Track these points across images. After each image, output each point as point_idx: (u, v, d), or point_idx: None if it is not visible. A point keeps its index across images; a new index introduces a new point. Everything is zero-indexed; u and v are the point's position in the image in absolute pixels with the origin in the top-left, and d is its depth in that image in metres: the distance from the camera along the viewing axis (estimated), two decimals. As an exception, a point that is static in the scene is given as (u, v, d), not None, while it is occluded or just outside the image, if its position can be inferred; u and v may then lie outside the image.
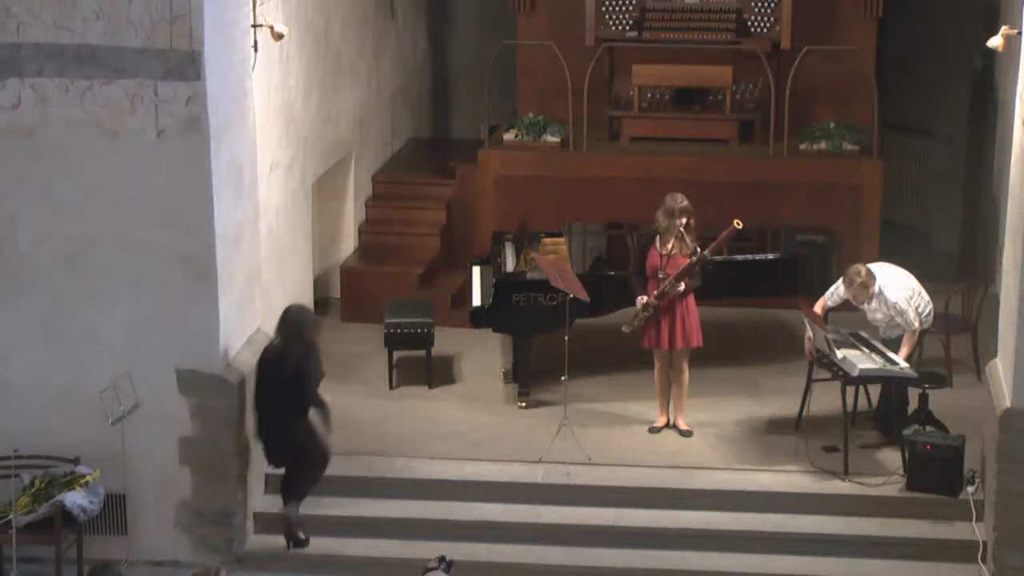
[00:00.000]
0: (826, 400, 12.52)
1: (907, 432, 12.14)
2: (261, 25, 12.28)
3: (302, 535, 11.67)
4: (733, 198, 14.98)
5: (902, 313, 12.19)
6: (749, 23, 16.10)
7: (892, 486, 11.91)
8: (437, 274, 15.88)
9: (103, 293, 11.31)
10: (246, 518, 11.79)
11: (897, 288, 12.29)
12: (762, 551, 11.59)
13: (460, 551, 11.08)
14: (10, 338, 11.41)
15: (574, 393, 12.72)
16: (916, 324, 12.21)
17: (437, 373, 13.93)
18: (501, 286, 13.31)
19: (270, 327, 12.58)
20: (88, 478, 11.19)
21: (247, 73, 11.83)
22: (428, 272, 15.70)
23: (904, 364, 12.01)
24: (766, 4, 16.03)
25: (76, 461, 11.31)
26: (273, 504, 12.02)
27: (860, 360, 11.96)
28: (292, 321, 11.54)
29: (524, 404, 13.32)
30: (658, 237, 12.50)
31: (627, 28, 16.21)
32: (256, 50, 12.18)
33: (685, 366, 12.69)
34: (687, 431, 12.77)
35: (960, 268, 16.23)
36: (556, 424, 12.51)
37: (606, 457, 12.36)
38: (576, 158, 15.63)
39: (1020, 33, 11.38)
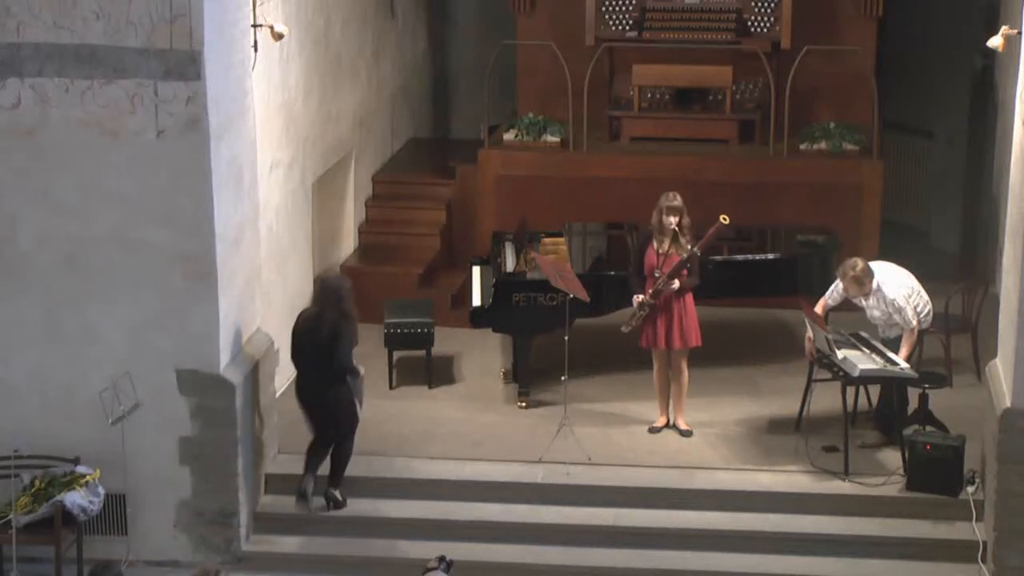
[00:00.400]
0: (826, 400, 12.52)
1: (907, 432, 12.14)
2: (261, 25, 12.28)
3: (339, 496, 11.83)
4: (733, 198, 14.97)
5: (900, 311, 12.19)
6: (749, 23, 16.10)
7: (892, 486, 11.91)
8: (437, 274, 15.88)
9: (103, 293, 11.31)
10: (246, 518, 11.79)
11: (896, 286, 12.29)
12: (762, 551, 11.59)
13: (460, 551, 11.07)
14: (10, 338, 11.41)
15: (574, 393, 12.72)
16: (914, 322, 12.20)
17: (437, 373, 13.93)
18: (501, 286, 13.31)
19: (270, 327, 12.60)
20: (88, 478, 11.19)
21: (247, 73, 11.83)
22: (428, 272, 15.71)
23: (904, 364, 12.01)
24: (766, 4, 16.03)
25: (76, 461, 11.31)
26: (273, 504, 12.03)
27: (860, 360, 11.96)
28: (330, 289, 11.73)
29: (524, 404, 13.32)
30: (654, 236, 12.52)
31: (627, 28, 16.21)
32: (256, 50, 12.18)
33: (684, 366, 12.70)
34: (687, 431, 12.77)
35: (960, 268, 16.24)
36: (556, 424, 12.51)
37: (606, 457, 12.36)
38: (576, 158, 15.63)
39: (1020, 33, 11.38)
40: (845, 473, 12.02)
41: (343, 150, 15.59)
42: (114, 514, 11.56)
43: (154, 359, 11.36)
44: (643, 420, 12.98)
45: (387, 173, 16.91)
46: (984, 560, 11.36)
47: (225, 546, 11.68)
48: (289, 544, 11.85)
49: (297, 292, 14.16)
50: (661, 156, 15.54)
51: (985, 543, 11.40)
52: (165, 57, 10.90)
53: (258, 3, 12.28)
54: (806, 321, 12.36)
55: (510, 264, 13.73)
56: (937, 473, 11.77)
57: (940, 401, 12.52)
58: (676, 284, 12.37)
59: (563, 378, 12.45)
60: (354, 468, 12.23)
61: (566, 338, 12.43)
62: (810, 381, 12.47)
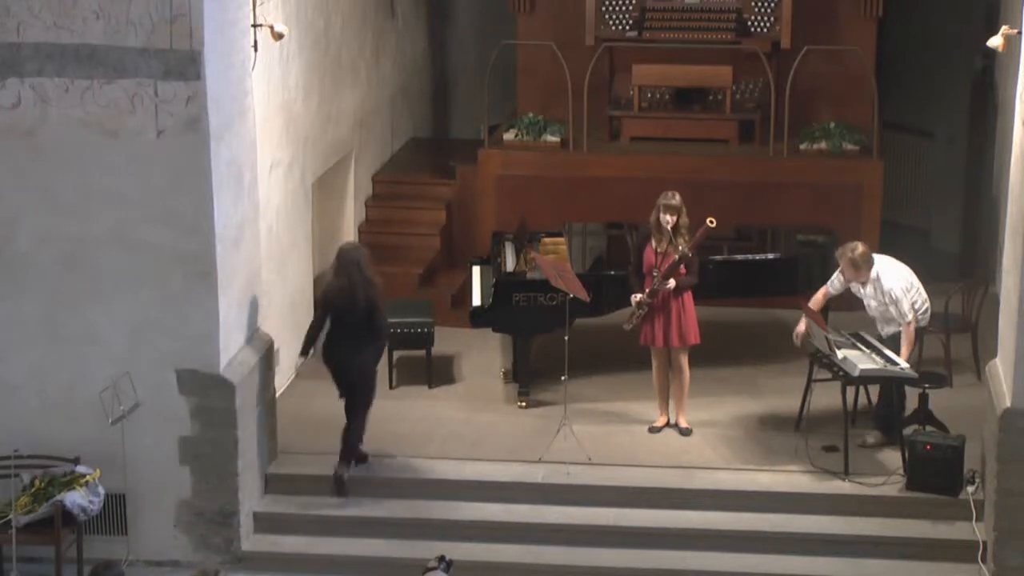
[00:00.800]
0: (826, 400, 12.52)
1: (907, 432, 12.14)
2: (261, 25, 12.28)
3: (345, 477, 12.05)
4: (733, 198, 14.99)
5: (896, 302, 12.17)
6: (749, 23, 16.10)
7: (892, 486, 11.91)
8: (437, 274, 15.89)
9: (103, 293, 11.31)
10: (246, 518, 11.79)
11: (895, 277, 12.28)
12: (762, 551, 11.59)
13: (460, 551, 11.07)
14: (10, 338, 11.41)
15: (574, 393, 12.72)
16: (910, 316, 12.18)
17: (437, 373, 13.94)
18: (501, 286, 13.32)
19: (270, 327, 12.61)
20: (88, 478, 11.19)
21: (247, 73, 11.83)
22: (428, 272, 15.71)
23: (904, 364, 12.01)
24: (766, 4, 16.03)
25: (76, 461, 11.31)
26: (273, 504, 12.04)
27: (860, 360, 11.96)
28: (350, 259, 12.00)
29: (524, 404, 13.33)
30: (652, 235, 12.52)
31: (627, 28, 16.21)
32: (256, 50, 12.18)
33: (685, 364, 12.70)
34: (687, 429, 12.77)
35: (960, 268, 16.24)
36: (556, 424, 12.51)
37: (606, 457, 12.36)
38: (576, 158, 15.63)
39: (1020, 33, 11.38)
40: (845, 473, 12.02)
41: (343, 150, 15.59)
42: (114, 514, 11.56)
43: (154, 359, 11.36)
44: (643, 420, 12.98)
45: (387, 173, 16.91)
46: (984, 560, 11.36)
47: (225, 546, 11.68)
48: (289, 544, 11.85)
49: (297, 292, 14.16)
50: (661, 156, 15.54)
51: (985, 543, 11.40)
52: (165, 57, 10.90)
53: (258, 3, 12.28)
54: (806, 321, 12.34)
55: (510, 264, 13.74)
56: (937, 473, 11.77)
57: (940, 401, 12.52)
58: (672, 284, 12.37)
59: (563, 378, 12.45)
60: (354, 468, 12.24)
61: (566, 338, 12.43)
62: (810, 381, 12.47)
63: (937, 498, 11.75)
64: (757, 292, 14.02)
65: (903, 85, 17.48)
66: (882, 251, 14.62)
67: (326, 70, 14.81)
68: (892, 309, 12.22)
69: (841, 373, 12.01)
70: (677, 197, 12.46)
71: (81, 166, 11.14)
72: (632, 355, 13.30)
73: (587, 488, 12.03)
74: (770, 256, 14.33)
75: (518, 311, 13.22)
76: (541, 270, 13.04)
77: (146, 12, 10.84)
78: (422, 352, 13.81)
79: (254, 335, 12.08)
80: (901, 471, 11.97)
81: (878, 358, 12.02)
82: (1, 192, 11.22)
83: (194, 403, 11.44)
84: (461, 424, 13.07)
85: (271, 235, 13.27)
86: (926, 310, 12.48)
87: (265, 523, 11.92)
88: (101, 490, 11.24)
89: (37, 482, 11.20)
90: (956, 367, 13.57)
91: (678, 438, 12.74)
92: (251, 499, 11.86)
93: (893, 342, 12.27)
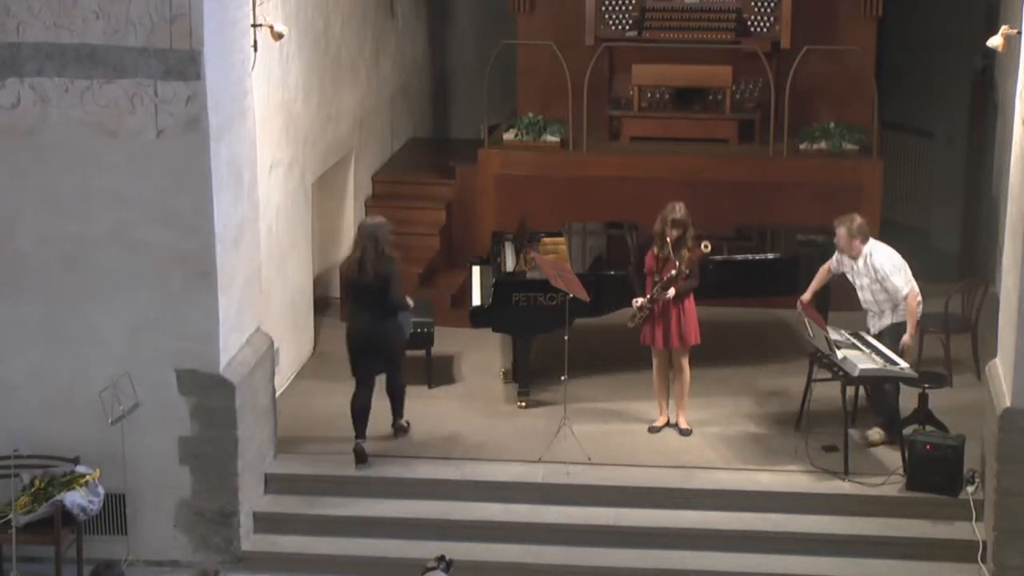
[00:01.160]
0: (826, 400, 12.52)
1: (907, 432, 12.14)
2: (261, 25, 12.28)
3: (405, 423, 12.74)
4: (733, 198, 14.99)
5: (886, 278, 12.21)
6: (749, 23, 16.10)
7: (892, 486, 11.90)
8: (437, 274, 15.88)
9: (103, 293, 11.31)
10: (246, 518, 11.79)
11: (886, 255, 12.35)
12: (762, 551, 11.59)
13: (460, 551, 11.07)
14: (10, 338, 11.41)
15: (574, 393, 12.71)
16: (906, 288, 12.20)
17: (437, 373, 13.93)
18: (501, 286, 13.32)
19: (270, 327, 12.61)
20: (88, 478, 11.19)
21: (247, 73, 11.83)
22: (428, 272, 15.70)
23: (904, 364, 12.02)
24: (766, 4, 16.03)
25: (76, 461, 11.31)
26: (273, 504, 12.04)
27: (860, 360, 11.96)
28: (366, 232, 12.32)
29: (524, 404, 13.32)
30: (655, 242, 12.52)
31: (627, 28, 16.21)
32: (256, 50, 12.18)
33: (686, 364, 12.70)
34: (687, 429, 12.77)
35: (960, 268, 16.24)
36: (556, 424, 12.51)
37: (606, 457, 12.36)
38: (576, 158, 15.63)
39: (1020, 33, 11.38)
40: (845, 473, 12.02)
41: (343, 150, 15.59)
42: (114, 514, 11.56)
43: (154, 359, 11.35)
44: (643, 420, 12.98)
45: (387, 173, 16.91)
46: (984, 560, 11.36)
47: (225, 546, 11.68)
48: (289, 544, 11.85)
49: (297, 292, 14.16)
50: (661, 156, 15.54)
51: (985, 543, 11.40)
52: (165, 57, 10.90)
53: (258, 3, 12.28)
54: (806, 321, 12.35)
55: (510, 264, 13.74)
56: (937, 473, 11.77)
57: (940, 401, 12.52)
58: (671, 293, 12.38)
59: (563, 378, 12.44)
60: (354, 468, 12.24)
61: (566, 338, 12.43)
62: (810, 381, 12.48)
63: (937, 498, 11.75)
64: (757, 292, 14.03)
65: (903, 85, 17.48)
66: (882, 251, 14.66)
67: (326, 70, 14.81)
68: (886, 285, 12.21)
69: (841, 373, 12.01)
70: (682, 210, 12.41)
71: (81, 166, 11.14)
72: (632, 355, 13.29)
73: (587, 488, 12.03)
74: (770, 256, 14.32)
75: (518, 311, 13.22)
76: (541, 270, 13.04)
77: (146, 12, 10.84)
78: (422, 352, 13.80)
79: (254, 335, 12.08)
80: (901, 471, 11.97)
81: (878, 358, 12.02)
82: (1, 192, 11.22)
83: (194, 403, 11.44)
84: (461, 424, 13.07)
85: (271, 235, 13.27)
86: (919, 304, 12.49)
87: (265, 523, 11.92)
88: (101, 490, 11.24)
89: (37, 482, 11.20)
90: (956, 367, 13.57)
91: (678, 438, 12.74)
92: (251, 499, 11.86)
93: (888, 336, 12.28)
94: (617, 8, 16.23)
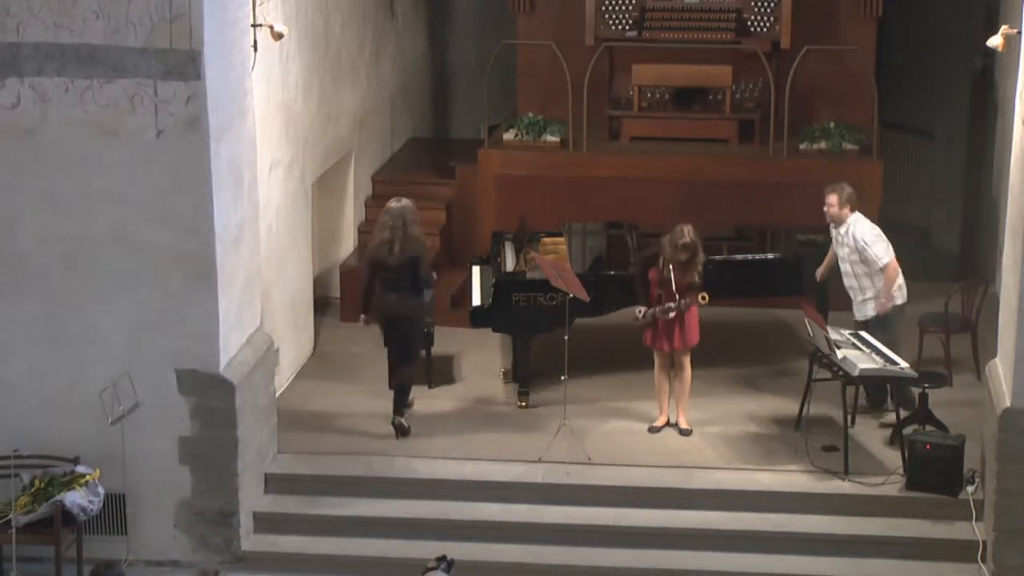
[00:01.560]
0: (826, 400, 12.52)
1: (907, 432, 12.14)
2: (261, 25, 12.28)
3: (405, 423, 12.79)
4: (733, 198, 14.98)
5: (867, 247, 12.39)
6: (749, 23, 16.09)
7: (892, 486, 11.91)
8: (437, 274, 15.81)
9: (103, 293, 11.31)
10: (246, 518, 11.79)
11: (868, 226, 12.58)
12: (762, 551, 11.59)
13: (460, 551, 11.06)
14: (10, 338, 11.41)
15: (574, 393, 12.71)
16: (886, 257, 12.39)
17: (437, 373, 13.93)
18: (501, 286, 13.32)
19: (270, 327, 12.61)
20: (88, 478, 11.19)
21: (247, 73, 11.83)
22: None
23: (904, 364, 12.02)
24: (766, 4, 16.02)
25: (76, 461, 11.31)
26: (273, 504, 12.04)
27: (860, 360, 11.96)
28: (394, 214, 12.62)
29: (524, 404, 13.32)
30: (661, 259, 12.53)
31: (627, 28, 16.20)
32: (256, 50, 12.18)
33: (687, 364, 12.71)
34: (687, 429, 12.77)
35: (960, 268, 16.24)
36: (556, 424, 12.51)
37: (606, 457, 12.36)
38: (576, 158, 15.62)
39: (1020, 33, 11.38)
40: (845, 473, 12.02)
41: (343, 150, 15.59)
42: (114, 514, 11.56)
43: (154, 359, 11.36)
44: (643, 420, 12.98)
45: (387, 173, 16.90)
46: (984, 560, 11.37)
47: (225, 546, 11.68)
48: (289, 544, 11.85)
49: (297, 292, 14.16)
50: (661, 156, 15.53)
51: (985, 543, 11.40)
52: (165, 57, 10.90)
53: (258, 3, 12.28)
54: (806, 321, 12.36)
55: (510, 264, 13.74)
56: (937, 473, 11.78)
57: (940, 401, 12.52)
58: (672, 315, 12.42)
59: (563, 378, 12.45)
60: (354, 468, 12.26)
61: (566, 338, 12.43)
62: (810, 381, 12.48)
63: (937, 498, 11.75)
64: (757, 292, 14.02)
65: (903, 85, 17.48)
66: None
67: (326, 70, 14.81)
68: (864, 258, 12.36)
69: (841, 373, 12.02)
70: (690, 234, 12.41)
71: (81, 166, 11.14)
72: (632, 355, 13.30)
73: (587, 488, 12.03)
74: (770, 256, 14.32)
75: (518, 311, 13.22)
76: (541, 270, 13.04)
77: (146, 12, 10.84)
78: (422, 352, 13.79)
79: (254, 335, 12.07)
80: (901, 471, 11.98)
81: (878, 358, 12.02)
82: (1, 192, 11.22)
83: (194, 403, 11.44)
84: (461, 424, 13.07)
85: (271, 235, 13.27)
86: (901, 285, 12.54)
87: (265, 523, 11.92)
88: (101, 490, 11.24)
89: (37, 482, 11.20)
90: (956, 367, 13.57)
91: (678, 438, 12.74)
92: (251, 499, 11.86)
93: (875, 327, 12.30)
94: (617, 8, 16.22)
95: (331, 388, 13.69)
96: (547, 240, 14.24)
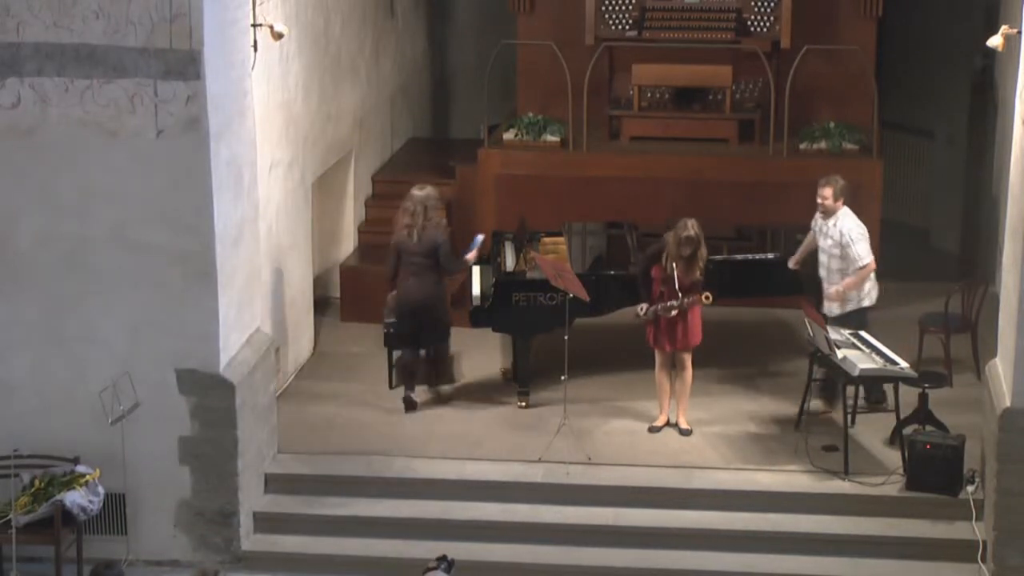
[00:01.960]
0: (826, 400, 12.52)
1: (907, 432, 12.14)
2: (261, 25, 12.28)
3: (449, 388, 13.48)
4: (733, 198, 14.97)
5: (851, 244, 12.44)
6: (749, 23, 16.08)
7: (892, 486, 11.91)
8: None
9: (103, 293, 11.31)
10: (246, 518, 11.79)
11: (856, 223, 12.63)
12: (762, 551, 11.59)
13: (460, 551, 11.06)
14: (10, 338, 11.41)
15: (574, 393, 12.71)
16: (867, 258, 12.47)
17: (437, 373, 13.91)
18: (501, 286, 13.31)
19: (270, 327, 12.60)
20: (88, 478, 11.19)
21: (247, 73, 11.83)
22: (428, 272, 15.67)
23: (904, 364, 12.03)
24: (766, 4, 16.01)
25: (76, 461, 11.31)
26: (273, 504, 12.04)
27: (860, 360, 11.96)
28: (416, 200, 13.07)
29: (524, 404, 13.32)
30: (665, 255, 12.53)
31: (627, 27, 16.18)
32: (256, 50, 12.18)
33: (688, 364, 12.71)
34: (687, 430, 12.77)
35: (960, 268, 16.23)
36: (556, 424, 12.51)
37: (606, 457, 12.36)
38: (576, 158, 15.61)
39: (1020, 33, 11.38)
40: (845, 473, 12.02)
41: (343, 150, 15.59)
42: (114, 514, 11.56)
43: (154, 359, 11.36)
44: (643, 420, 12.98)
45: (387, 173, 16.90)
46: (984, 560, 11.37)
47: (225, 546, 11.68)
48: (289, 544, 11.85)
49: (297, 292, 14.16)
50: (661, 156, 15.51)
51: (985, 543, 11.40)
52: (165, 57, 10.90)
53: (258, 3, 12.28)
54: (806, 321, 12.36)
55: (510, 264, 13.73)
56: (937, 473, 11.78)
57: (940, 401, 12.52)
58: (674, 313, 12.42)
59: (563, 378, 12.45)
60: (354, 468, 12.26)
61: (566, 338, 12.43)
62: (810, 381, 12.48)
63: (937, 498, 11.76)
64: (757, 292, 14.02)
65: (903, 85, 17.47)
66: (882, 251, 14.68)
67: (326, 70, 14.81)
68: (845, 253, 12.43)
69: (841, 373, 12.01)
70: (694, 227, 12.44)
71: (81, 166, 11.14)
72: (632, 355, 13.30)
73: (586, 488, 12.03)
74: (770, 256, 14.31)
75: (518, 311, 13.22)
76: (541, 270, 13.04)
77: (146, 12, 10.84)
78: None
79: (254, 335, 12.07)
80: (901, 471, 11.98)
81: (878, 358, 12.02)
82: (1, 192, 11.22)
83: (194, 403, 11.44)
84: (461, 424, 13.07)
85: (271, 235, 13.27)
86: (871, 289, 12.61)
87: (265, 523, 11.92)
88: (101, 490, 11.24)
89: (37, 482, 11.20)
90: (956, 367, 13.57)
91: (678, 438, 12.74)
92: (251, 499, 11.86)
93: (854, 321, 12.33)
94: (617, 8, 16.21)
95: (331, 388, 13.69)
96: (547, 240, 14.23)
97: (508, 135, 15.89)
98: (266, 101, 12.89)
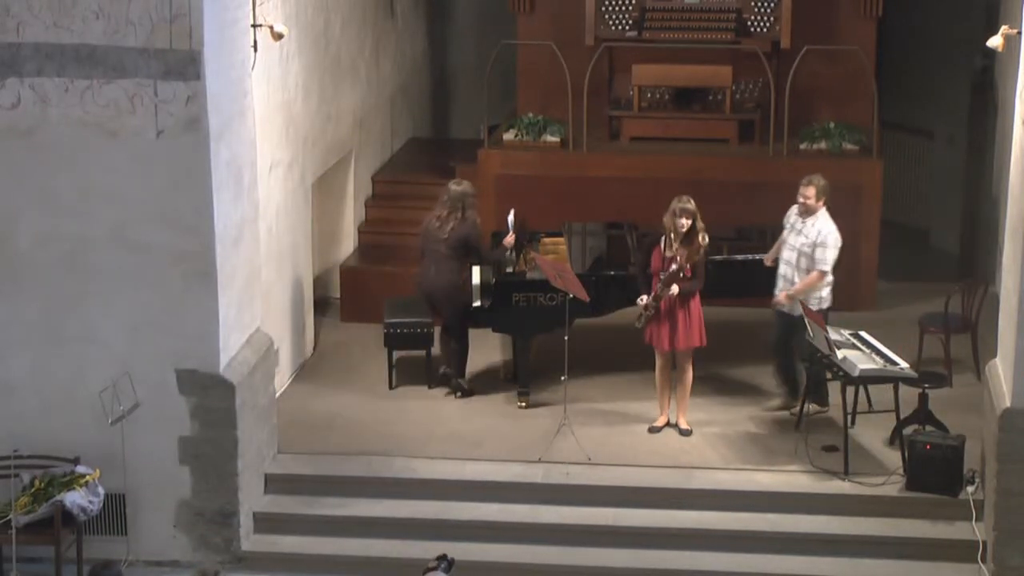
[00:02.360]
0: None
1: (907, 432, 12.14)
2: (261, 25, 12.28)
3: (465, 384, 13.56)
4: (733, 198, 14.98)
5: (822, 246, 12.41)
6: (749, 23, 16.09)
7: (892, 486, 11.91)
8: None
9: (103, 293, 11.31)
10: (246, 518, 11.79)
11: (833, 229, 12.57)
12: (762, 551, 11.59)
13: (460, 551, 11.03)
14: (10, 338, 11.41)
15: (574, 393, 12.71)
16: (828, 268, 12.42)
17: (437, 373, 13.92)
18: (501, 286, 13.32)
19: (270, 327, 12.61)
20: (88, 478, 11.19)
21: (247, 73, 11.83)
22: (428, 272, 15.67)
23: (904, 364, 12.02)
24: (766, 4, 16.02)
25: (76, 461, 11.31)
26: (273, 504, 12.04)
27: (860, 360, 11.96)
28: (453, 193, 13.34)
29: (524, 404, 13.32)
30: (663, 238, 12.52)
31: (627, 28, 16.19)
32: (256, 50, 12.18)
33: (688, 365, 12.70)
34: (687, 430, 12.77)
35: (960, 268, 16.23)
36: (556, 424, 12.51)
37: (606, 457, 12.36)
38: (576, 158, 15.62)
39: (1020, 33, 11.38)
40: (845, 473, 12.02)
41: (343, 150, 15.59)
42: (114, 514, 11.56)
43: (154, 359, 11.36)
44: (643, 420, 12.98)
45: (387, 173, 16.91)
46: (984, 560, 11.37)
47: (225, 546, 11.68)
48: (289, 544, 11.85)
49: (297, 292, 14.16)
50: (661, 156, 15.52)
51: (985, 543, 11.40)
52: (165, 57, 10.90)
53: (258, 3, 12.28)
54: (806, 321, 12.35)
55: (510, 264, 13.73)
56: (937, 473, 11.77)
57: (940, 401, 12.52)
58: (675, 290, 12.38)
59: (563, 378, 12.45)
60: (354, 468, 12.26)
61: (566, 338, 12.43)
62: (809, 381, 12.47)
63: (937, 498, 11.75)
64: (757, 292, 13.99)
65: (903, 85, 17.47)
66: (882, 251, 14.72)
67: (326, 70, 14.82)
68: (812, 255, 12.41)
69: (841, 373, 12.01)
70: (692, 201, 12.45)
71: (81, 166, 11.14)
72: (632, 355, 13.30)
73: (586, 488, 12.03)
74: (770, 256, 14.29)
75: (518, 311, 13.22)
76: (541, 270, 13.04)
77: (146, 12, 10.84)
78: (422, 352, 13.80)
79: (254, 335, 12.08)
80: (901, 471, 11.98)
81: (878, 358, 12.02)
82: (1, 192, 11.22)
83: (194, 403, 11.44)
84: (461, 424, 13.07)
85: (271, 235, 13.27)
86: (824, 297, 12.57)
87: (265, 523, 11.92)
88: (101, 490, 11.24)
89: (37, 482, 11.21)
90: (956, 367, 13.57)
91: (678, 438, 12.74)
92: (251, 499, 11.86)
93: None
94: (617, 8, 16.21)
95: (331, 388, 13.69)
96: (547, 240, 14.24)
97: (508, 135, 15.90)
98: (266, 101, 12.89)
